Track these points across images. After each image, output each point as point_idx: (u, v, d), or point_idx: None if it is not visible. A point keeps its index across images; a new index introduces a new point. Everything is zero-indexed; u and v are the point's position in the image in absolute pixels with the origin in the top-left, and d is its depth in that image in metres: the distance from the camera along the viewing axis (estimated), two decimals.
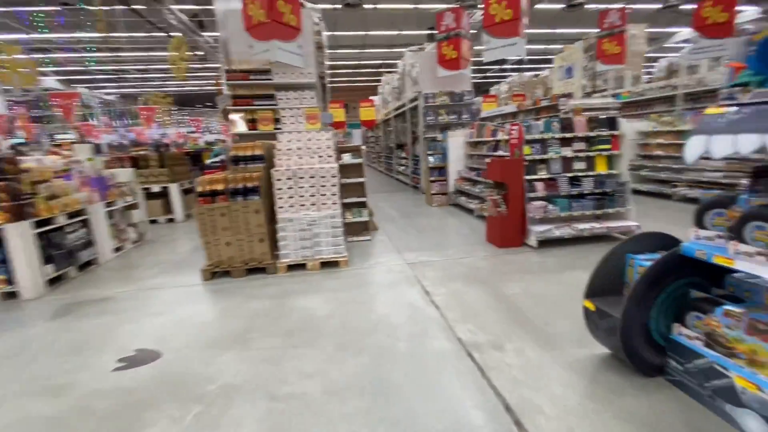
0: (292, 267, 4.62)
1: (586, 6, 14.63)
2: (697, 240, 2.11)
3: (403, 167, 13.25)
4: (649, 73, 13.94)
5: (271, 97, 6.06)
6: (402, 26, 17.78)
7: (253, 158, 4.67)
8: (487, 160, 5.77)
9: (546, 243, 5.11)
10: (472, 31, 9.93)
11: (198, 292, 4.16)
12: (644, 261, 2.35)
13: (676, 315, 2.25)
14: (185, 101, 34.02)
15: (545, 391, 2.25)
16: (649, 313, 2.25)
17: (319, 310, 3.53)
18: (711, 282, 2.29)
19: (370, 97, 19.49)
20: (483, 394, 2.26)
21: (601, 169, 5.31)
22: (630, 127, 8.19)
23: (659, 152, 8.55)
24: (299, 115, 6.13)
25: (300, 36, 6.18)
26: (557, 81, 13.91)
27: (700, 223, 2.10)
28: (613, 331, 2.31)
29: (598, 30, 11.13)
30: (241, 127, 6.02)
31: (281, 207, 4.42)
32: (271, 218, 4.61)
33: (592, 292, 2.53)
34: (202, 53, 17.28)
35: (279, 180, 4.37)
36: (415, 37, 18.29)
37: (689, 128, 7.79)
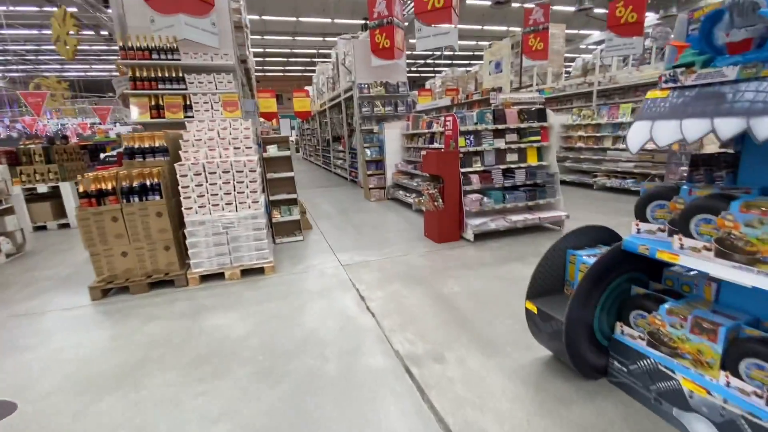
0: (206, 277, 3.99)
1: (512, 4, 15.21)
2: (639, 234, 1.99)
3: (340, 161, 12.78)
4: (567, 71, 14.91)
5: (180, 80, 5.25)
6: (335, 14, 17.14)
7: (153, 150, 3.93)
8: (423, 152, 5.55)
9: (482, 236, 5.03)
10: (406, 23, 9.72)
11: (84, 316, 3.39)
12: (586, 258, 2.21)
13: (618, 313, 2.13)
14: (92, 88, 29.97)
15: (491, 409, 2.01)
16: (594, 314, 2.11)
17: (235, 329, 3.01)
18: (649, 276, 2.21)
19: (305, 87, 18.59)
20: (423, 421, 1.96)
21: (532, 160, 5.35)
22: (555, 120, 8.56)
23: (581, 144, 9.06)
24: (215, 101, 5.39)
25: (213, 12, 5.43)
26: (487, 76, 14.29)
27: (641, 216, 1.98)
28: (556, 335, 2.15)
29: (522, 28, 11.56)
30: (135, 114, 5.12)
31: (189, 208, 3.77)
32: (180, 222, 3.94)
33: (533, 293, 2.35)
34: (107, 33, 15.17)
35: (184, 176, 3.71)
36: (349, 27, 17.78)
37: (605, 122, 8.34)
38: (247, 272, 4.11)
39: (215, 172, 3.79)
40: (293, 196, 5.43)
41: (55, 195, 6.85)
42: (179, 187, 3.73)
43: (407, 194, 7.46)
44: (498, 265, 4.12)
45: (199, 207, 3.80)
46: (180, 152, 3.91)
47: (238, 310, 3.31)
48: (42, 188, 6.75)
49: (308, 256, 4.75)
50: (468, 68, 20.99)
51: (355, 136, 9.86)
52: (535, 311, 2.26)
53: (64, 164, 6.89)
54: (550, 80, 12.67)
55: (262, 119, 14.87)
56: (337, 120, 12.76)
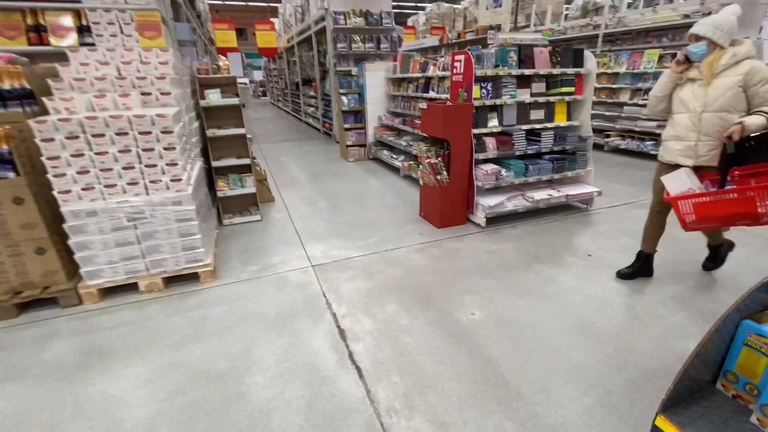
0: (111, 290, 2.72)
1: None
2: None
3: (312, 108, 11.07)
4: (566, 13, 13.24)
5: None
6: None
7: (3, 97, 2.44)
8: (422, 105, 4.22)
9: (494, 219, 3.93)
10: None
11: None
12: None
13: None
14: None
15: None
16: None
17: (134, 403, 1.82)
18: None
19: (271, 19, 15.95)
20: None
21: (561, 119, 4.15)
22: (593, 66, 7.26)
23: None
24: (126, 22, 3.73)
25: None
26: (484, 11, 12.42)
27: None
28: None
29: None
30: (2, 38, 3.43)
31: (67, 192, 2.39)
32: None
33: (673, 400, 1.27)
34: None
35: (49, 140, 2.28)
36: None
37: (624, 71, 7.10)
38: (174, 279, 2.86)
39: (104, 134, 2.37)
40: (246, 161, 4.04)
41: None
42: (44, 159, 2.32)
43: (393, 155, 6.17)
44: (525, 268, 3.05)
45: (82, 189, 2.42)
46: (46, 100, 2.43)
47: (147, 356, 2.11)
48: None
49: (266, 247, 3.52)
50: (455, 5, 18.69)
51: (329, 79, 8.21)
52: None
53: None
54: (548, 21, 11.08)
55: (222, 57, 12.60)
56: (307, 59, 10.85)
